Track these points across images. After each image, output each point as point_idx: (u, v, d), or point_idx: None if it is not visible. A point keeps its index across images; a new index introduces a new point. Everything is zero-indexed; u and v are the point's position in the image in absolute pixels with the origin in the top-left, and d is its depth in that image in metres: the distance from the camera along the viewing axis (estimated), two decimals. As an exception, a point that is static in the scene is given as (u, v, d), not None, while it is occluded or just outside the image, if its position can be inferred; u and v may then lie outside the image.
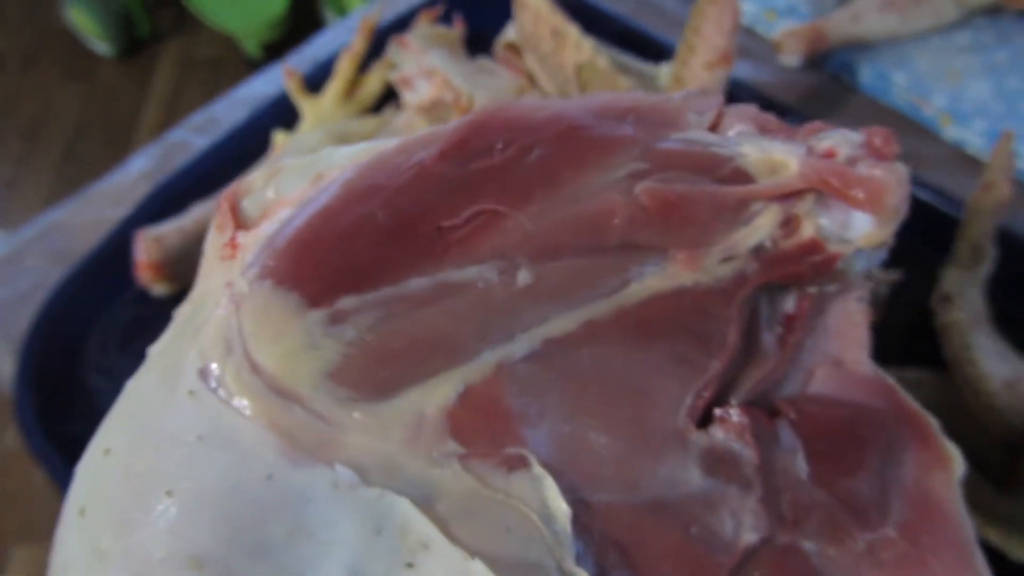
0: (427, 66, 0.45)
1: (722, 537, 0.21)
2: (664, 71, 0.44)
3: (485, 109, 0.24)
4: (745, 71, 0.55)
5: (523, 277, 0.22)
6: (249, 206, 0.24)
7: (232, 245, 0.23)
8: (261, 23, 1.28)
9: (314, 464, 0.19)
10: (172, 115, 1.32)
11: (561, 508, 0.20)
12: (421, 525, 0.19)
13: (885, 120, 0.52)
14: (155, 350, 0.22)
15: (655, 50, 0.49)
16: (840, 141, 0.23)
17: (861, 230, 0.23)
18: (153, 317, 0.42)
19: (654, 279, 0.22)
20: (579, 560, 0.20)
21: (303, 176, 0.24)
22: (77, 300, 0.43)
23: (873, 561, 0.22)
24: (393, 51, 0.47)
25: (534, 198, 0.23)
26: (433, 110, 0.45)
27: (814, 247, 0.23)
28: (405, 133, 0.44)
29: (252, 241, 0.22)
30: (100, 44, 1.40)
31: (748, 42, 0.57)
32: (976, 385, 0.34)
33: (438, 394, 0.20)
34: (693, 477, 0.21)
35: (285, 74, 0.49)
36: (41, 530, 0.90)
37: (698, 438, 0.22)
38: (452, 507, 0.20)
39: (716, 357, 0.22)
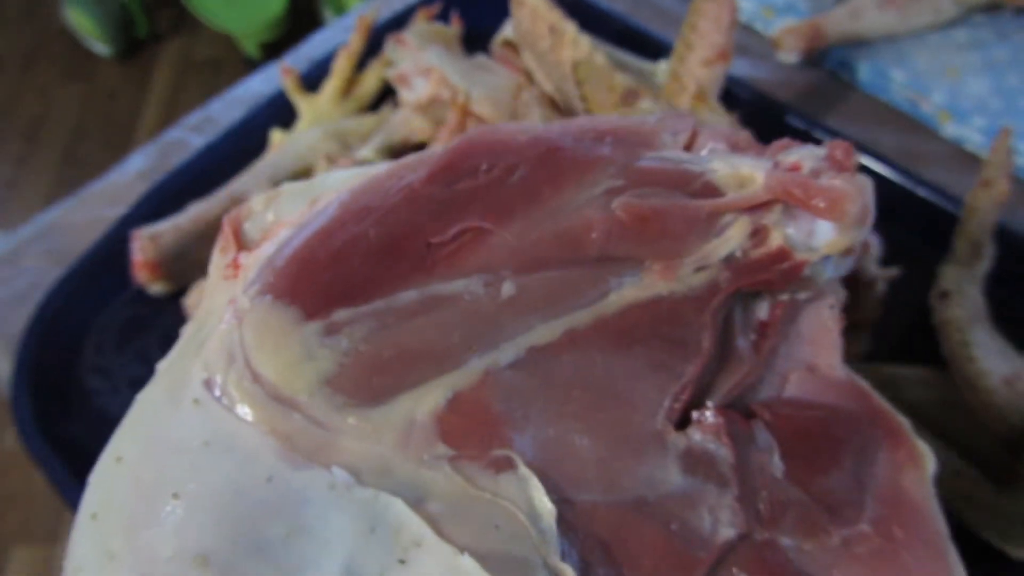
0: (424, 64, 0.45)
1: (701, 533, 0.22)
2: (662, 68, 0.44)
3: (470, 135, 0.25)
4: (743, 68, 0.54)
5: (507, 289, 0.23)
6: (250, 229, 0.25)
7: (235, 265, 0.24)
8: (260, 23, 1.27)
9: (312, 467, 0.21)
10: (171, 115, 1.30)
11: (547, 507, 0.21)
12: (413, 524, 0.20)
13: (884, 117, 0.52)
14: (163, 366, 0.24)
15: (653, 47, 0.48)
16: (805, 155, 0.24)
17: (825, 238, 0.24)
18: (150, 316, 0.43)
19: (631, 289, 0.24)
20: (564, 556, 0.21)
21: (301, 199, 0.25)
22: (74, 299, 0.43)
23: (848, 555, 0.23)
24: (390, 49, 0.47)
25: (517, 215, 0.24)
26: (430, 108, 0.45)
27: (782, 255, 0.24)
28: (403, 131, 0.44)
29: (253, 261, 0.24)
30: (99, 45, 1.40)
31: (746, 39, 0.56)
32: (975, 382, 0.34)
33: (428, 400, 0.22)
34: (672, 476, 0.23)
35: (282, 73, 0.48)
36: (41, 530, 0.91)
37: (676, 439, 0.23)
38: (443, 506, 0.21)
39: (692, 362, 0.23)
